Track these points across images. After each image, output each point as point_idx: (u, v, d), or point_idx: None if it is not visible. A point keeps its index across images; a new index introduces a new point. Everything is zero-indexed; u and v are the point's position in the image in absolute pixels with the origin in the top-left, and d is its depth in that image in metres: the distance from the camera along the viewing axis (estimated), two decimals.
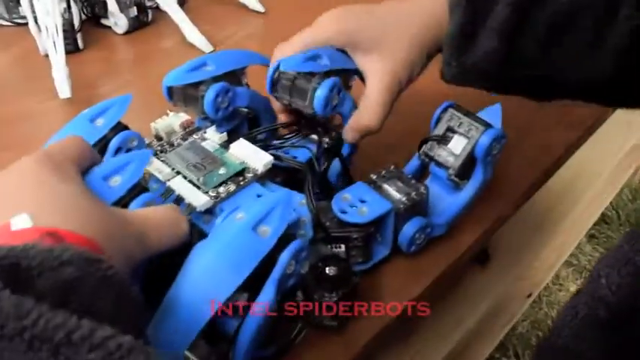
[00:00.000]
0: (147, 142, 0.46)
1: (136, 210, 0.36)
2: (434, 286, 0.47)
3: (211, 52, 0.77)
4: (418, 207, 0.45)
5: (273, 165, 0.46)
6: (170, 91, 0.48)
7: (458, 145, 0.47)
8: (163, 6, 0.78)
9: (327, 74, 0.47)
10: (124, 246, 0.32)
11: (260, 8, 0.86)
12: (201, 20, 0.80)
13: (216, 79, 0.48)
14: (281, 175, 0.47)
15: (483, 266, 0.51)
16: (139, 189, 0.38)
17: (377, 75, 0.48)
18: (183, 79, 0.47)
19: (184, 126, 0.49)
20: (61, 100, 0.66)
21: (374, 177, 0.46)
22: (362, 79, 0.50)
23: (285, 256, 0.36)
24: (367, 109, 0.49)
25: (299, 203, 0.45)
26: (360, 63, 0.49)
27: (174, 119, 0.49)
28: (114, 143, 0.42)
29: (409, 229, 0.45)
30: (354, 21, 0.49)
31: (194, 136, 0.48)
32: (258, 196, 0.43)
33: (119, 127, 0.44)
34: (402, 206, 0.44)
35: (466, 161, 0.46)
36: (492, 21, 0.42)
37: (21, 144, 0.59)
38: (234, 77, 0.49)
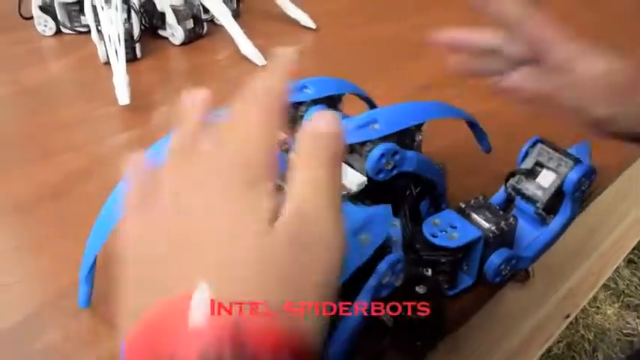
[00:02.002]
0: None
1: None
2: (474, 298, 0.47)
3: (264, 65, 0.78)
4: (506, 237, 0.46)
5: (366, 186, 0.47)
6: None
7: (547, 179, 0.47)
8: (219, 19, 0.81)
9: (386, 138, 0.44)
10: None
11: (311, 24, 0.89)
12: (254, 34, 0.82)
13: (315, 101, 0.50)
14: (370, 197, 0.49)
15: (524, 285, 0.51)
16: None
17: None
18: None
19: (279, 144, 0.51)
20: (119, 106, 0.67)
21: (463, 205, 0.47)
22: None
23: (383, 266, 0.37)
24: None
25: (390, 224, 0.46)
26: None
27: None
28: None
29: (496, 259, 0.46)
30: None
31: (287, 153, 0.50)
32: None
33: None
34: (491, 235, 0.45)
35: (554, 196, 0.47)
36: None
37: (81, 147, 0.62)
38: (332, 102, 0.51)
